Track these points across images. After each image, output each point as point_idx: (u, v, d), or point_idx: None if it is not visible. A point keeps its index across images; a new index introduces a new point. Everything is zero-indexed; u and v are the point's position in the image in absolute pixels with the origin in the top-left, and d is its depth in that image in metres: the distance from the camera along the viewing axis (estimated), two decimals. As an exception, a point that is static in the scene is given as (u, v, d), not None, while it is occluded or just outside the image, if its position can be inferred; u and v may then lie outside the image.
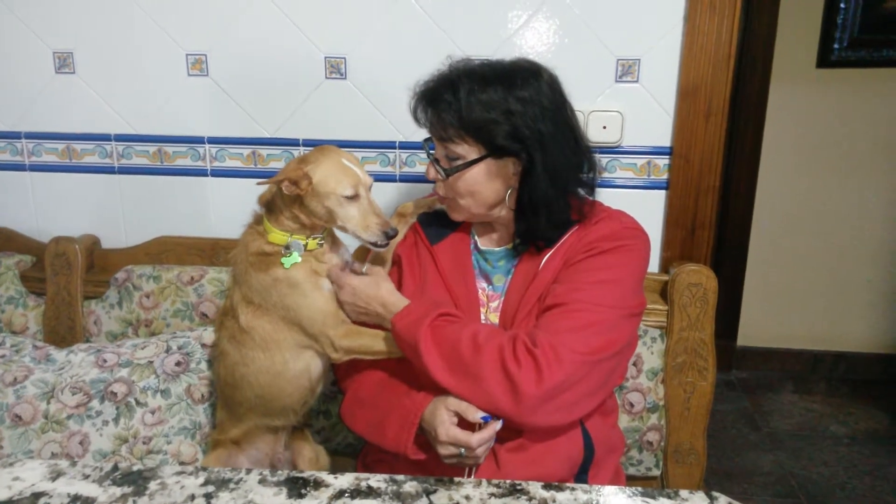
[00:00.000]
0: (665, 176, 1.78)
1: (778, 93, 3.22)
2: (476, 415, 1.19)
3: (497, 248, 1.43)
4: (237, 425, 1.51)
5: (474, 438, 1.19)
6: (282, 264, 1.35)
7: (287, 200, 1.34)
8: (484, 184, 1.32)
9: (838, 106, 3.23)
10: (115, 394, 1.60)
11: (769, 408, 3.23)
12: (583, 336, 1.20)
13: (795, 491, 2.62)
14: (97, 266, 1.90)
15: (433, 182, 1.40)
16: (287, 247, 1.36)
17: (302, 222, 1.35)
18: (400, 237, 1.49)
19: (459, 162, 1.31)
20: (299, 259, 1.35)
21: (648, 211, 1.78)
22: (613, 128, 1.75)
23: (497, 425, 1.21)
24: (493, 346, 1.19)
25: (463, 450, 1.20)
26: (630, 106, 1.74)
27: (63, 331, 1.84)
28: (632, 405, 1.65)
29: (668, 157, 1.76)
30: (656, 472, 1.70)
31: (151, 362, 1.64)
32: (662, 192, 1.79)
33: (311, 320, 1.37)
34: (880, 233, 3.34)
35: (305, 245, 1.37)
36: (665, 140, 1.76)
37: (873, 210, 3.33)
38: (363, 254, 1.53)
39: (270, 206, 1.39)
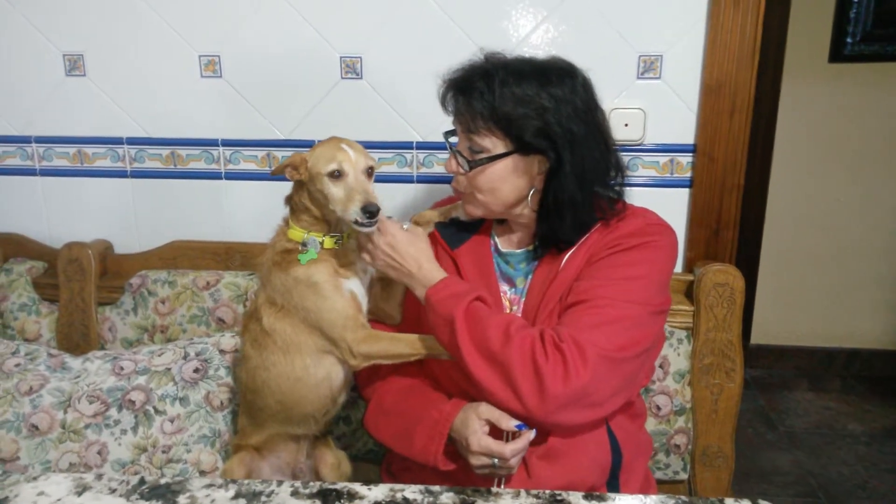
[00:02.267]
0: (688, 174, 1.75)
1: (790, 88, 3.19)
2: (510, 423, 1.16)
3: (517, 251, 1.39)
4: (258, 432, 1.48)
5: (508, 448, 1.16)
6: (298, 261, 1.33)
7: (300, 193, 1.35)
8: (506, 180, 1.28)
9: (851, 101, 3.20)
10: (133, 402, 1.57)
11: (784, 406, 3.21)
12: (607, 333, 1.17)
13: (815, 491, 2.60)
14: (110, 272, 1.87)
15: (452, 176, 1.35)
16: (304, 243, 1.34)
17: (314, 215, 1.34)
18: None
19: (484, 155, 1.27)
20: (315, 255, 1.33)
21: (671, 210, 1.74)
22: (635, 125, 1.72)
23: (531, 434, 1.17)
24: (525, 337, 1.16)
25: (496, 460, 1.17)
26: (652, 103, 1.71)
27: (77, 338, 1.81)
28: (658, 408, 1.62)
29: (691, 154, 1.73)
30: (683, 476, 1.67)
31: (169, 369, 1.62)
32: (686, 191, 1.76)
33: (330, 323, 1.33)
34: (893, 228, 3.31)
35: (322, 242, 1.35)
36: (688, 137, 1.72)
37: (886, 206, 3.30)
38: None
39: (292, 205, 1.39)
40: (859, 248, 3.37)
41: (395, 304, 1.46)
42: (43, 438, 1.53)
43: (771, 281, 3.43)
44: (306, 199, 1.34)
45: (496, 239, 1.42)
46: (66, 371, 1.61)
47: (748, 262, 3.40)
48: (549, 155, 1.24)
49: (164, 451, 1.56)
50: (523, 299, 1.34)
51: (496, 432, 1.19)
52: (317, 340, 1.36)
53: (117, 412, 1.56)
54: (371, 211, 1.24)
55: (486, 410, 1.19)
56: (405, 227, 1.35)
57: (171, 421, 1.58)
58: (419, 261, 1.29)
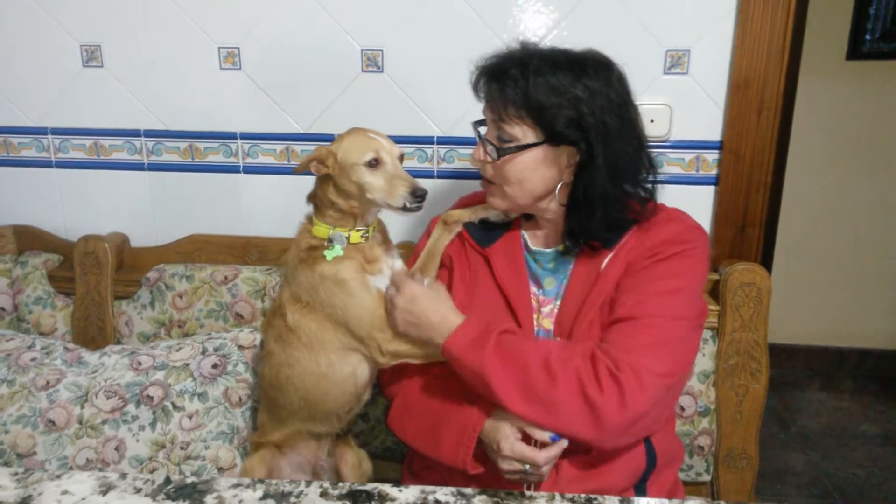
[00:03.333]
0: (714, 171, 1.72)
1: (807, 86, 3.15)
2: (544, 434, 1.14)
3: (547, 250, 1.37)
4: (279, 429, 1.46)
5: (541, 456, 1.13)
6: (324, 257, 1.31)
7: (325, 188, 1.32)
8: (535, 171, 1.26)
9: (868, 99, 3.18)
10: (152, 397, 1.55)
11: (797, 406, 3.19)
12: (661, 355, 1.16)
13: (830, 492, 2.58)
14: (127, 265, 1.85)
15: (473, 171, 1.34)
16: (330, 239, 1.32)
17: (341, 208, 1.32)
18: (447, 241, 1.44)
19: (513, 144, 1.24)
20: (341, 252, 1.31)
21: (696, 207, 1.71)
22: (661, 121, 1.69)
23: (564, 443, 1.15)
24: (570, 372, 1.12)
25: (528, 466, 1.15)
26: (679, 99, 1.68)
27: (93, 332, 1.79)
28: (682, 409, 1.60)
29: (717, 151, 1.71)
30: (707, 478, 1.65)
31: (188, 365, 1.60)
32: (711, 188, 1.73)
33: (358, 320, 1.32)
34: (909, 228, 3.29)
35: (348, 238, 1.33)
36: (715, 134, 1.70)
37: (902, 205, 3.27)
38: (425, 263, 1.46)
39: (316, 201, 1.37)
40: (873, 248, 3.35)
41: None
42: (60, 434, 1.51)
43: (784, 279, 3.40)
44: (332, 194, 1.32)
45: (525, 236, 1.39)
46: (83, 366, 1.59)
47: (762, 261, 3.36)
48: (581, 146, 1.22)
49: (182, 448, 1.54)
50: (558, 302, 1.32)
51: (528, 438, 1.17)
52: (342, 338, 1.34)
53: (135, 408, 1.54)
54: (421, 195, 1.26)
55: (511, 430, 1.17)
56: (426, 282, 1.31)
57: (190, 417, 1.56)
58: (440, 311, 1.24)
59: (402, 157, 1.32)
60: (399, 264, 1.41)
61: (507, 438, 1.15)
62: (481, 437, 1.20)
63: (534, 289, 1.36)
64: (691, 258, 1.25)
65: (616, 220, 1.27)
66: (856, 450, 2.84)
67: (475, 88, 1.31)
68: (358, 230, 1.34)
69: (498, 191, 1.32)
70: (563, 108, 1.19)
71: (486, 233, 1.40)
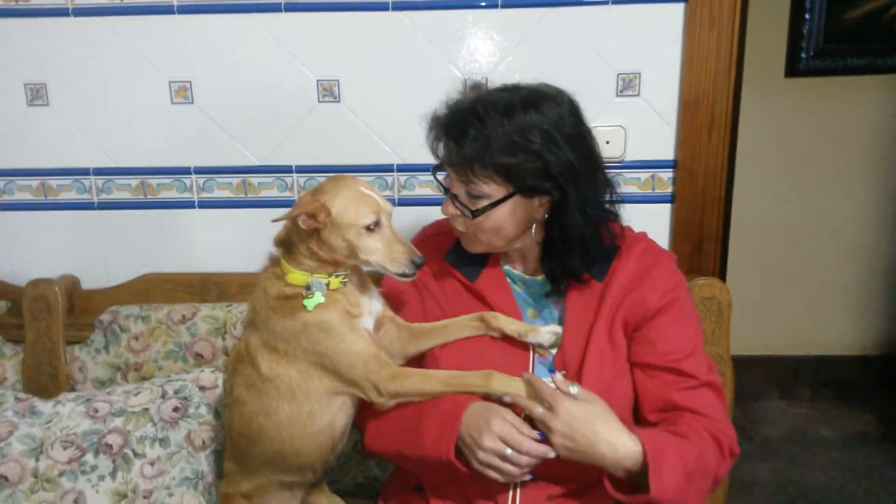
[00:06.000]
0: (670, 189, 1.75)
1: (749, 103, 3.25)
2: (532, 431, 1.15)
3: (537, 278, 1.36)
4: (249, 479, 1.41)
5: (526, 444, 1.14)
6: (304, 307, 1.26)
7: (304, 236, 1.26)
8: (509, 219, 1.25)
9: (808, 114, 3.29)
10: (111, 445, 1.48)
11: (758, 416, 3.24)
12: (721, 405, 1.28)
13: (795, 499, 2.62)
14: (78, 308, 1.78)
15: (435, 198, 1.33)
16: (308, 287, 1.26)
17: (321, 258, 1.26)
18: (470, 334, 1.35)
19: (485, 202, 1.23)
20: (322, 299, 1.26)
21: (654, 225, 1.73)
22: (616, 142, 1.72)
23: (551, 453, 1.15)
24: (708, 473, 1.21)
25: (508, 451, 1.14)
26: (632, 120, 1.72)
27: (44, 379, 1.71)
28: (653, 425, 1.61)
29: (672, 170, 1.74)
30: (679, 494, 1.65)
31: (147, 409, 1.54)
32: (667, 206, 1.77)
33: (350, 366, 1.26)
34: (855, 236, 3.40)
35: (328, 284, 1.27)
36: (668, 153, 1.74)
37: (846, 214, 3.38)
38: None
39: (287, 245, 1.30)
40: (822, 257, 3.44)
41: (417, 349, 1.37)
42: (13, 490, 1.43)
43: (738, 292, 3.45)
44: (314, 244, 1.26)
45: (506, 265, 1.38)
46: (37, 416, 1.51)
47: (718, 275, 3.43)
48: (554, 193, 1.22)
49: (145, 497, 1.48)
50: (556, 326, 1.31)
51: None
52: (328, 383, 1.28)
53: (94, 457, 1.47)
54: (420, 264, 1.23)
55: (509, 414, 1.18)
56: (573, 390, 1.16)
57: (152, 464, 1.50)
58: (610, 442, 1.12)
59: (391, 214, 1.28)
60: (378, 306, 1.36)
61: (500, 416, 1.16)
62: (462, 429, 1.18)
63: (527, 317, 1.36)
64: (687, 291, 1.34)
65: (597, 254, 1.29)
66: (817, 455, 2.89)
67: (433, 150, 1.29)
68: (337, 275, 1.29)
69: (473, 239, 1.31)
70: (529, 162, 1.19)
71: (469, 265, 1.38)
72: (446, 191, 1.30)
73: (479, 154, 1.19)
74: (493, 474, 1.18)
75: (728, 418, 1.29)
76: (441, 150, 1.28)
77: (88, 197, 1.82)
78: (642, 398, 1.28)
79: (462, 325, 1.33)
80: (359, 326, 1.28)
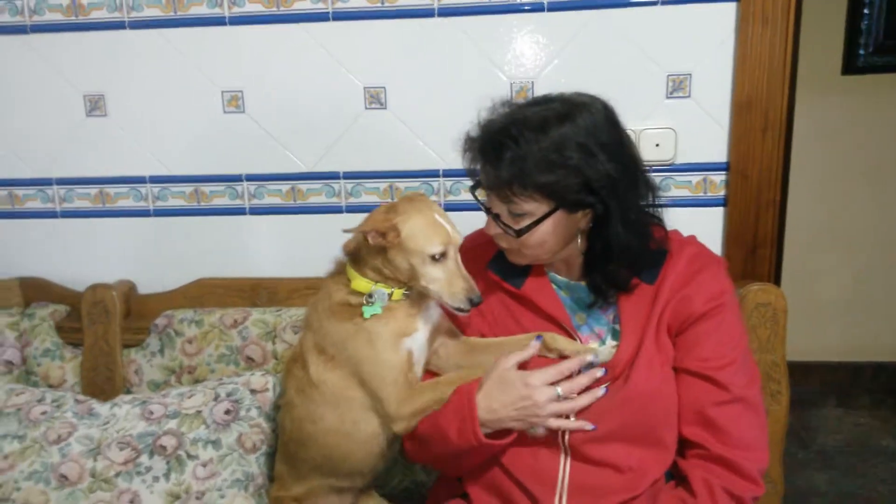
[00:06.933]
0: (722, 192, 1.71)
1: (804, 101, 3.16)
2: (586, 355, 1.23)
3: (580, 283, 1.33)
4: (299, 483, 1.42)
5: (566, 366, 1.21)
6: (361, 313, 1.26)
7: (371, 251, 1.25)
8: (554, 233, 1.22)
9: (865, 112, 3.18)
10: (165, 447, 1.52)
11: (815, 424, 3.14)
12: (763, 441, 1.28)
13: (855, 511, 2.53)
14: (134, 313, 1.83)
15: (480, 204, 1.30)
16: (370, 295, 1.26)
17: (384, 275, 1.26)
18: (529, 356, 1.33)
19: (528, 220, 1.20)
20: (380, 310, 1.25)
21: (706, 229, 1.71)
22: (666, 145, 1.69)
23: (599, 373, 1.21)
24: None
25: (559, 389, 1.18)
26: (683, 122, 1.69)
27: (101, 382, 1.77)
28: (705, 434, 1.57)
29: (724, 172, 1.70)
30: None
31: (200, 412, 1.57)
32: (720, 210, 1.73)
33: (378, 376, 1.26)
34: (914, 239, 3.28)
35: (390, 295, 1.27)
36: (721, 155, 1.70)
37: (906, 217, 3.27)
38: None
39: (355, 255, 1.30)
40: (878, 260, 3.33)
41: (471, 363, 1.34)
42: (73, 489, 1.48)
43: (793, 297, 3.36)
44: (380, 262, 1.25)
45: (550, 272, 1.36)
46: (94, 417, 1.56)
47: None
48: (597, 207, 1.20)
49: (197, 498, 1.51)
50: (609, 337, 1.31)
51: None
52: (361, 395, 1.29)
53: (149, 458, 1.51)
54: (477, 303, 1.21)
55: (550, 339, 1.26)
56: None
57: (204, 465, 1.53)
58: None
59: (458, 246, 1.26)
60: (436, 318, 1.34)
61: (525, 375, 1.19)
62: (499, 410, 1.19)
63: (577, 322, 1.34)
64: (734, 299, 1.30)
65: (644, 264, 1.26)
66: (877, 466, 2.79)
67: (470, 174, 1.28)
68: (400, 288, 1.28)
69: (518, 253, 1.29)
70: (568, 178, 1.16)
71: (511, 273, 1.35)
72: (487, 210, 1.28)
73: (516, 175, 1.16)
74: (559, 423, 1.20)
75: (759, 438, 1.25)
76: (478, 172, 1.26)
77: (145, 204, 1.88)
78: (679, 405, 1.26)
79: (520, 344, 1.30)
80: (401, 346, 1.27)
